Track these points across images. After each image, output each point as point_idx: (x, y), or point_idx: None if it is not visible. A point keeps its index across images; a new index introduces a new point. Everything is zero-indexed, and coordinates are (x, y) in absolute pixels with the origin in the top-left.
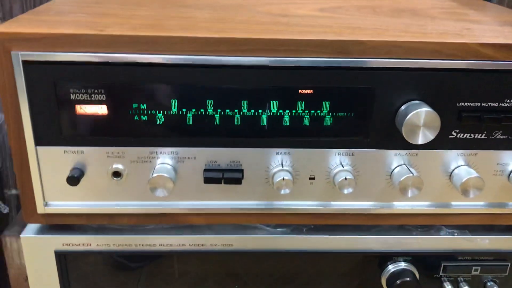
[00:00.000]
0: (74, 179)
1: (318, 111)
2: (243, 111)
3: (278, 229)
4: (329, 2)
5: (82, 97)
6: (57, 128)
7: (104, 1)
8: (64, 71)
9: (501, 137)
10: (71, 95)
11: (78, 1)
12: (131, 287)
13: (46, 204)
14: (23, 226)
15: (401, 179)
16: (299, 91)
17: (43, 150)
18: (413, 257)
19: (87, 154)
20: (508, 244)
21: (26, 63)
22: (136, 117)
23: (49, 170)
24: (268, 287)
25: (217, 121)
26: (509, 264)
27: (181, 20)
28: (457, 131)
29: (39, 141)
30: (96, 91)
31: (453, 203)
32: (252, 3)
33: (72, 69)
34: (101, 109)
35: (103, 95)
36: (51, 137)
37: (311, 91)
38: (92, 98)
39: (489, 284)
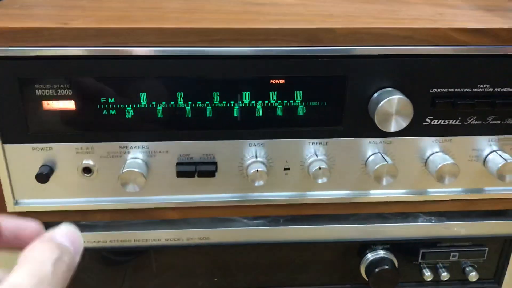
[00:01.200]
0: (43, 177)
1: (291, 101)
2: (215, 102)
3: (255, 221)
4: None
5: (48, 92)
6: (24, 125)
7: None
8: (28, 66)
9: (475, 122)
10: (37, 90)
11: None
12: (118, 282)
13: (16, 203)
14: None
15: (376, 168)
16: (271, 81)
17: (10, 148)
18: (392, 245)
19: (55, 150)
20: (485, 229)
21: None
22: (104, 112)
23: (17, 168)
24: (248, 279)
25: (188, 113)
26: (487, 249)
27: (149, 11)
28: (431, 117)
29: (5, 139)
30: (62, 86)
31: (429, 190)
32: None
33: (36, 64)
34: (68, 104)
35: (70, 90)
36: (18, 135)
37: (283, 80)
38: (59, 94)
39: (467, 269)
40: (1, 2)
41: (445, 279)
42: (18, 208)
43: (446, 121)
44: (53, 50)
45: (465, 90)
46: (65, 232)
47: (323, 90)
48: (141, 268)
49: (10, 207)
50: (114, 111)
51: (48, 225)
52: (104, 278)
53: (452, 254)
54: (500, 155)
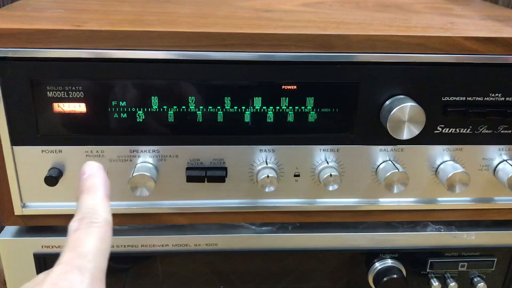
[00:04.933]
0: (52, 179)
1: (302, 107)
2: (226, 107)
3: (263, 228)
4: None
5: (59, 94)
6: (34, 127)
7: None
8: (40, 68)
9: (486, 131)
10: (48, 92)
11: None
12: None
13: (24, 206)
14: (0, 229)
15: (387, 175)
16: (283, 86)
17: (19, 150)
18: (400, 254)
19: (65, 153)
20: (495, 239)
21: (0, 60)
22: (115, 115)
23: (26, 171)
24: (255, 287)
25: (199, 118)
26: (496, 259)
27: (162, 16)
28: (442, 126)
29: (15, 141)
30: (73, 88)
31: (439, 198)
32: None
33: (48, 66)
34: (79, 107)
35: (81, 92)
36: (27, 137)
37: (295, 86)
38: (70, 96)
39: (475, 279)
40: (13, 4)
41: None
42: (25, 211)
43: (457, 130)
44: (65, 52)
45: (476, 99)
46: None
47: (335, 97)
48: (147, 274)
49: (17, 210)
50: (125, 114)
51: (55, 228)
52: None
53: (460, 264)
54: (511, 165)
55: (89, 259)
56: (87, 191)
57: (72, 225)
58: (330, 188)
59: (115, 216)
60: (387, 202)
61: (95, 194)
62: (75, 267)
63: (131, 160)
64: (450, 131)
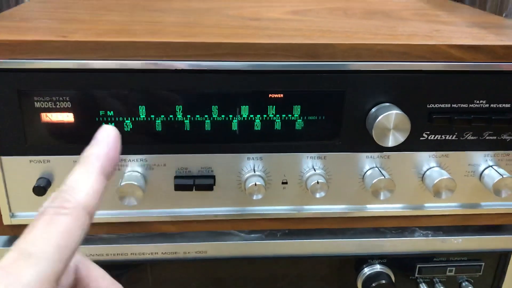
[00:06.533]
0: (40, 189)
1: (289, 115)
2: (213, 116)
3: (252, 235)
4: (301, 5)
5: (47, 105)
6: (22, 137)
7: (72, 6)
8: (28, 78)
9: (472, 138)
10: (36, 103)
11: (45, 6)
12: None
13: (12, 216)
14: None
15: (373, 182)
16: (269, 95)
17: (7, 160)
18: (388, 260)
19: (53, 163)
20: (482, 244)
21: None
22: (103, 124)
23: (14, 181)
24: None
25: (187, 127)
26: (483, 264)
27: (149, 25)
28: (428, 132)
29: (3, 151)
30: (61, 98)
31: (426, 204)
32: (223, 6)
33: (35, 77)
34: (67, 117)
35: (69, 102)
36: (15, 147)
37: (282, 95)
38: (58, 106)
39: (464, 284)
40: (1, 14)
41: None
42: (14, 221)
43: (443, 136)
44: (52, 63)
45: (461, 106)
46: None
47: (321, 105)
48: (137, 283)
49: (6, 220)
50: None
51: None
52: None
53: (448, 269)
54: (496, 170)
55: (34, 262)
56: (81, 162)
57: (44, 204)
58: (317, 195)
59: (104, 225)
60: (374, 208)
61: (86, 167)
62: (16, 268)
63: (119, 169)
64: (435, 138)
